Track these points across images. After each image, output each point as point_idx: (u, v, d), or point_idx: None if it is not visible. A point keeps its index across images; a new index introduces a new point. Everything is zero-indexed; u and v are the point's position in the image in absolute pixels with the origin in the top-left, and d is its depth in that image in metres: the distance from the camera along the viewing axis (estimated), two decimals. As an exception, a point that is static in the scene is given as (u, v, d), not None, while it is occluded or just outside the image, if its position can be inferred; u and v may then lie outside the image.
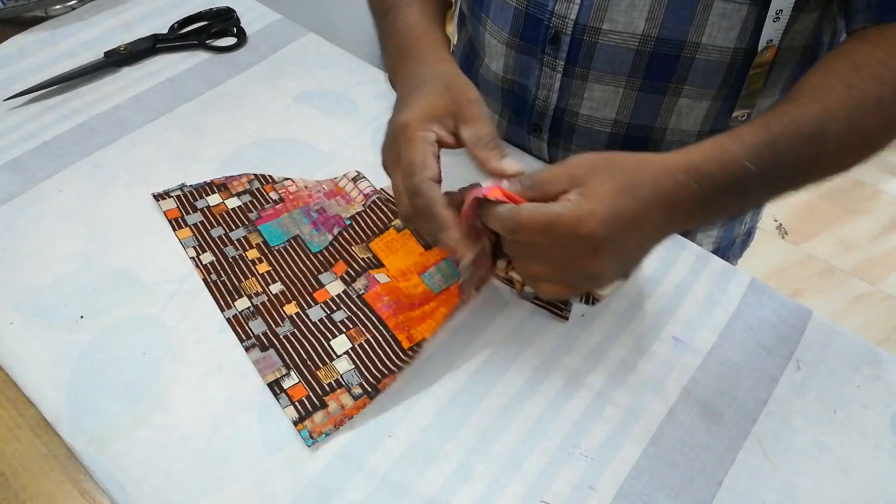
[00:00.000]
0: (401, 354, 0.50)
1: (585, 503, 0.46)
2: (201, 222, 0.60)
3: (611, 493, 0.46)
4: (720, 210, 0.47)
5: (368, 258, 0.57)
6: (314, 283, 0.55)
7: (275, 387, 0.49)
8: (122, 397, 0.49)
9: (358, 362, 0.50)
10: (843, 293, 1.72)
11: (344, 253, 0.57)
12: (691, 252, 0.59)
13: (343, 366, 0.50)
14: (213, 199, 0.61)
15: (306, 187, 0.63)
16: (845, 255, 1.80)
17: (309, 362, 0.50)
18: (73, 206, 0.61)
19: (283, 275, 0.56)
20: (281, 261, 0.57)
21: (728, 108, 0.61)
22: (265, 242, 0.58)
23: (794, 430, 0.50)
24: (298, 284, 0.55)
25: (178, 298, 0.54)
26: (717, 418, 0.50)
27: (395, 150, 0.48)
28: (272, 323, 0.53)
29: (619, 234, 0.42)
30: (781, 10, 0.54)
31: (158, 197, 0.61)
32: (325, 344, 0.52)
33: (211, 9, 0.81)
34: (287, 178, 0.63)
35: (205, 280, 0.55)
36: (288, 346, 0.51)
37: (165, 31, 0.78)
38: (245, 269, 0.56)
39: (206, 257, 0.57)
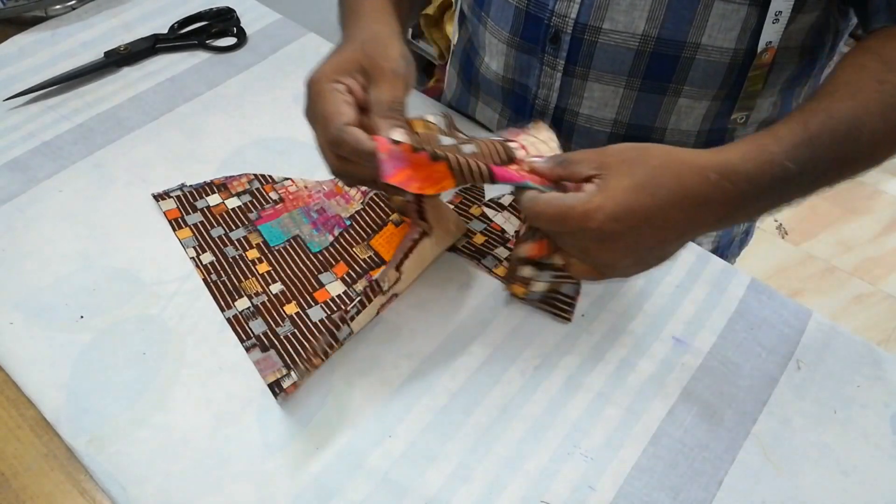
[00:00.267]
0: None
1: (585, 503, 0.46)
2: (201, 222, 0.60)
3: (611, 493, 0.46)
4: (755, 210, 0.47)
5: (370, 258, 0.57)
6: (314, 283, 0.55)
7: (275, 387, 0.49)
8: (122, 397, 0.49)
9: None
10: (843, 293, 1.72)
11: (345, 254, 0.57)
12: (691, 252, 0.59)
13: (343, 366, 0.50)
14: (213, 200, 0.61)
15: (306, 187, 0.63)
16: (845, 255, 1.80)
17: (309, 363, 0.50)
18: (73, 206, 0.61)
19: (283, 275, 0.56)
20: (281, 261, 0.57)
21: (727, 108, 0.61)
22: (265, 242, 0.58)
23: (794, 430, 0.50)
24: (298, 284, 0.55)
25: (178, 298, 0.54)
26: (717, 418, 0.50)
27: (311, 112, 0.47)
28: (272, 323, 0.53)
29: (630, 231, 0.42)
30: (780, 12, 0.54)
31: (158, 197, 0.61)
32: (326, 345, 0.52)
33: (211, 9, 0.81)
34: (287, 178, 0.63)
35: (205, 280, 0.55)
36: (288, 346, 0.51)
37: (165, 31, 0.78)
38: (245, 269, 0.56)
39: (206, 257, 0.57)
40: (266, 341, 0.52)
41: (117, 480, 0.45)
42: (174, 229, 0.59)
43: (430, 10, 1.73)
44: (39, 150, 0.65)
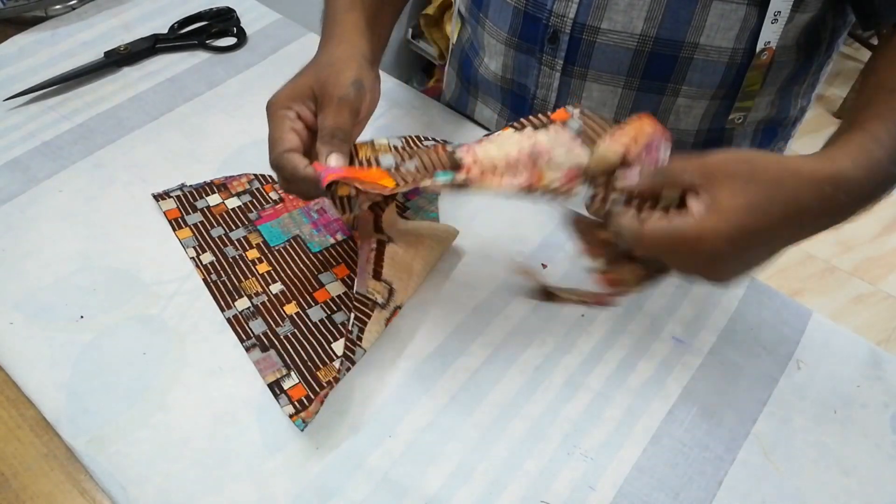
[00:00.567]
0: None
1: (585, 503, 0.46)
2: (201, 222, 0.60)
3: (611, 493, 0.46)
4: (855, 216, 0.44)
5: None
6: (314, 283, 0.55)
7: (275, 387, 0.49)
8: (122, 397, 0.49)
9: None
10: (843, 293, 1.72)
11: (346, 258, 0.57)
12: (691, 252, 0.59)
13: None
14: (213, 199, 0.61)
15: (306, 187, 0.63)
16: (845, 255, 1.80)
17: (309, 363, 0.50)
18: (73, 206, 0.61)
19: (283, 275, 0.56)
20: (281, 261, 0.57)
21: (726, 107, 0.61)
22: (265, 242, 0.58)
23: (794, 430, 0.50)
24: (299, 284, 0.55)
25: (178, 298, 0.54)
26: (717, 418, 0.50)
27: (268, 120, 0.49)
28: (272, 323, 0.53)
29: (743, 251, 0.41)
30: (780, 12, 0.54)
31: (158, 197, 0.61)
32: (326, 345, 0.52)
33: (211, 9, 0.81)
34: (287, 178, 0.63)
35: (205, 280, 0.55)
36: (288, 346, 0.51)
37: (165, 31, 0.78)
38: (245, 269, 0.56)
39: (206, 257, 0.57)
40: (266, 341, 0.52)
41: (117, 480, 0.45)
42: (174, 229, 0.59)
43: (430, 10, 1.73)
44: (39, 150, 0.65)
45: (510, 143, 0.47)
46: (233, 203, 0.61)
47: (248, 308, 0.54)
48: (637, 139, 0.46)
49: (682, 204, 0.42)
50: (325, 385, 0.48)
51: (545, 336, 0.54)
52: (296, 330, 0.52)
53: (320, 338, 0.52)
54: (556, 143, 0.47)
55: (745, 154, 0.42)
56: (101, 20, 0.80)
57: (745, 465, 0.48)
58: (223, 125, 0.69)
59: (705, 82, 0.58)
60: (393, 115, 0.71)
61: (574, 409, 0.50)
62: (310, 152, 0.49)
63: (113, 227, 0.59)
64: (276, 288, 0.55)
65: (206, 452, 0.46)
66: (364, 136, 0.68)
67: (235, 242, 0.58)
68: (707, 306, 0.56)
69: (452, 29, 0.77)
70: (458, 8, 0.73)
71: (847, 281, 1.74)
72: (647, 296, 0.56)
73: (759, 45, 0.55)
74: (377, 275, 0.52)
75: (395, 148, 0.52)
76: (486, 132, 0.71)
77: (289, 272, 0.56)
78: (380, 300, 0.52)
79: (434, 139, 0.56)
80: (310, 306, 0.54)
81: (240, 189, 0.62)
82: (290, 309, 0.54)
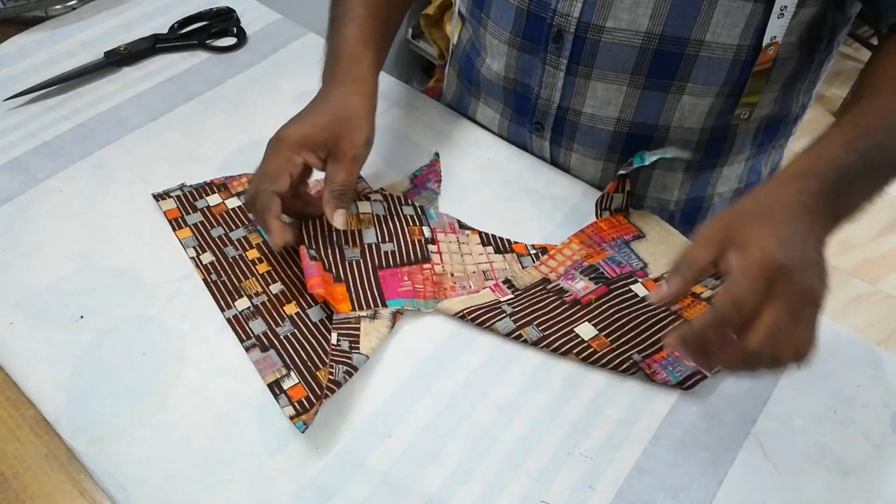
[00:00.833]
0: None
1: (585, 503, 0.46)
2: (201, 222, 0.60)
3: (611, 493, 0.46)
4: (842, 202, 0.47)
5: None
6: (314, 283, 0.55)
7: (275, 387, 0.49)
8: (122, 397, 0.49)
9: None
10: (843, 293, 1.72)
11: None
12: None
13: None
14: (213, 199, 0.61)
15: (306, 187, 0.63)
16: (845, 255, 1.80)
17: (309, 363, 0.50)
18: (73, 206, 0.61)
19: (283, 275, 0.56)
20: (281, 261, 0.57)
21: (731, 104, 0.61)
22: (265, 242, 0.58)
23: (794, 430, 0.50)
24: (299, 284, 0.55)
25: (178, 298, 0.54)
26: (717, 418, 0.50)
27: (266, 155, 0.53)
28: (272, 323, 0.53)
29: (795, 252, 0.43)
30: (786, 6, 0.54)
31: (158, 197, 0.61)
32: (326, 345, 0.52)
33: (211, 9, 0.81)
34: (287, 178, 0.63)
35: (205, 280, 0.55)
36: (288, 346, 0.51)
37: (165, 31, 0.78)
38: (245, 269, 0.56)
39: (206, 257, 0.57)
40: (266, 341, 0.52)
41: (117, 480, 0.45)
42: (174, 229, 0.59)
43: (430, 10, 1.73)
44: (39, 150, 0.65)
45: (470, 257, 0.58)
46: (233, 203, 0.61)
47: (248, 308, 0.54)
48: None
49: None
50: (324, 386, 0.48)
51: (545, 336, 0.54)
52: (296, 330, 0.52)
53: (320, 338, 0.52)
54: (507, 272, 0.57)
55: (727, 211, 0.46)
56: (101, 20, 0.80)
57: (745, 465, 0.48)
58: (223, 125, 0.69)
59: (710, 79, 0.58)
60: (393, 115, 0.71)
61: (574, 409, 0.50)
62: (294, 189, 0.53)
63: (113, 227, 0.59)
64: (276, 288, 0.55)
65: (206, 452, 0.46)
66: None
67: (235, 242, 0.58)
68: (707, 306, 0.56)
69: (452, 29, 0.77)
70: (459, 9, 0.73)
71: (847, 281, 1.74)
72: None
73: (766, 41, 0.55)
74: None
75: (378, 218, 0.59)
76: (487, 133, 0.71)
77: (289, 272, 0.56)
78: (364, 315, 0.52)
79: (414, 204, 0.61)
80: (310, 306, 0.54)
81: (240, 189, 0.62)
82: (290, 309, 0.54)
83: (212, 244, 0.58)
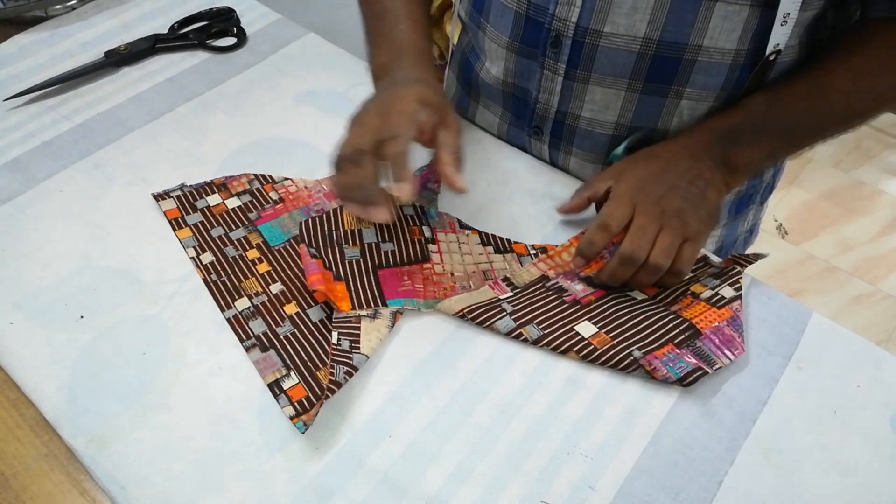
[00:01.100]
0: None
1: (585, 503, 0.46)
2: (201, 222, 0.60)
3: (611, 493, 0.46)
4: (734, 155, 0.57)
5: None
6: (314, 283, 0.55)
7: (275, 387, 0.49)
8: (122, 397, 0.49)
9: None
10: (843, 293, 1.72)
11: None
12: (691, 252, 0.59)
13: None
14: (213, 200, 0.61)
15: (306, 187, 0.63)
16: (845, 255, 1.80)
17: (309, 363, 0.50)
18: (73, 206, 0.61)
19: (283, 275, 0.56)
20: (281, 261, 0.57)
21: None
22: (265, 242, 0.58)
23: (794, 430, 0.50)
24: (299, 284, 0.55)
25: (178, 298, 0.54)
26: (717, 418, 0.50)
27: (379, 107, 0.51)
28: (272, 323, 0.53)
29: (659, 180, 0.55)
30: (789, 13, 0.54)
31: (158, 197, 0.61)
32: (326, 345, 0.52)
33: (211, 9, 0.81)
34: (287, 178, 0.63)
35: (205, 280, 0.55)
36: (288, 346, 0.51)
37: (165, 30, 0.78)
38: (245, 269, 0.56)
39: (206, 257, 0.57)
40: (266, 341, 0.52)
41: (117, 480, 0.45)
42: (174, 229, 0.59)
43: (430, 9, 1.73)
44: (39, 150, 0.65)
45: (470, 257, 0.58)
46: (233, 203, 0.61)
47: (248, 308, 0.54)
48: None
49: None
50: (325, 387, 0.48)
51: (545, 336, 0.54)
52: (296, 330, 0.52)
53: (320, 338, 0.52)
54: (507, 272, 0.58)
55: (640, 151, 0.59)
56: (101, 20, 0.80)
57: (745, 465, 0.48)
58: (223, 125, 0.69)
59: (709, 84, 0.58)
60: (393, 115, 0.71)
61: (574, 409, 0.50)
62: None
63: (113, 227, 0.59)
64: (276, 288, 0.55)
65: (206, 452, 0.46)
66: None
67: (235, 242, 0.58)
68: (707, 306, 0.56)
69: (452, 29, 0.77)
70: (458, 12, 0.73)
71: (847, 281, 1.74)
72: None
73: (769, 48, 0.55)
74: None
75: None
76: (487, 135, 0.71)
77: (289, 272, 0.56)
78: (364, 314, 0.52)
79: (414, 204, 0.61)
80: (310, 306, 0.54)
81: (240, 189, 0.62)
82: (290, 309, 0.54)
83: (212, 244, 0.58)
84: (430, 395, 0.50)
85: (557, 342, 0.52)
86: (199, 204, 0.61)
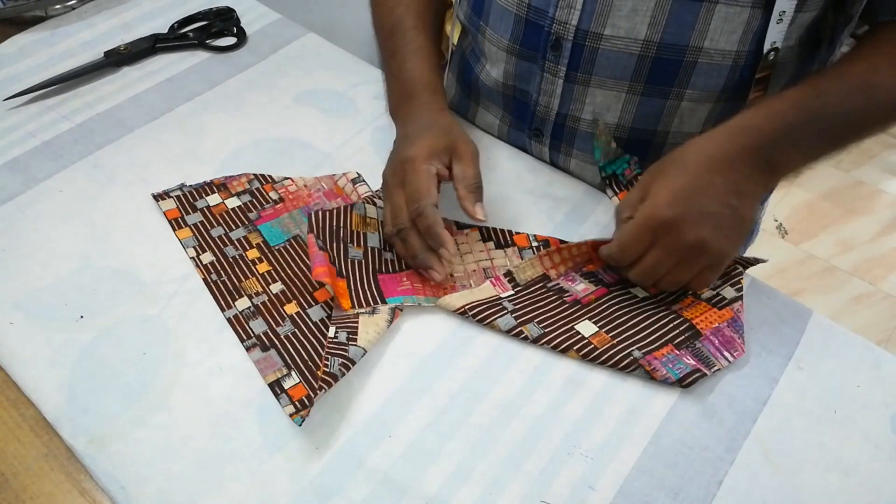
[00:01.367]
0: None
1: (585, 503, 0.46)
2: (201, 222, 0.60)
3: (611, 493, 0.46)
4: (782, 158, 0.52)
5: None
6: (314, 283, 0.55)
7: (276, 387, 0.49)
8: (122, 397, 0.49)
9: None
10: (843, 293, 1.72)
11: None
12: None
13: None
14: (213, 199, 0.61)
15: (306, 186, 0.63)
16: (845, 254, 1.80)
17: (310, 362, 0.50)
18: (72, 206, 0.61)
19: (283, 274, 0.56)
20: (281, 260, 0.57)
21: (730, 110, 0.61)
22: (265, 242, 0.58)
23: (794, 430, 0.50)
24: (299, 284, 0.55)
25: (179, 298, 0.54)
26: (717, 418, 0.50)
27: (399, 177, 0.55)
28: (273, 323, 0.53)
29: (687, 205, 0.49)
30: (784, 11, 0.54)
31: (158, 197, 0.61)
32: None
33: (211, 8, 0.81)
34: (287, 178, 0.63)
35: (205, 280, 0.55)
36: (289, 345, 0.51)
37: (165, 30, 0.78)
38: (245, 268, 0.56)
39: (207, 257, 0.57)
40: (266, 341, 0.52)
41: (117, 480, 0.45)
42: (174, 229, 0.59)
43: (430, 9, 1.72)
44: (39, 150, 0.65)
45: (471, 255, 0.58)
46: (233, 203, 0.61)
47: (249, 308, 0.54)
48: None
49: None
50: (319, 378, 0.48)
51: (545, 336, 0.54)
52: (296, 329, 0.52)
53: (321, 337, 0.52)
54: (508, 268, 0.57)
55: (671, 154, 0.52)
56: (100, 20, 0.80)
57: (745, 465, 0.48)
58: (223, 125, 0.69)
59: (709, 85, 0.58)
60: (393, 114, 0.71)
61: (574, 409, 0.50)
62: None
63: (113, 227, 0.59)
64: (276, 288, 0.55)
65: (206, 452, 0.46)
66: (365, 137, 0.69)
67: (235, 242, 0.58)
68: (707, 306, 0.56)
69: (451, 30, 0.77)
70: (458, 15, 0.73)
71: (847, 281, 1.74)
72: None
73: (767, 47, 0.55)
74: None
75: (382, 225, 0.58)
76: (487, 136, 0.71)
77: (289, 272, 0.56)
78: (363, 311, 0.52)
79: None
80: (310, 306, 0.54)
81: (240, 189, 0.62)
82: (291, 308, 0.54)
83: (212, 244, 0.58)
84: (430, 394, 0.50)
85: (557, 341, 0.52)
86: (199, 204, 0.61)
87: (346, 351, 0.49)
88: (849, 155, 2.04)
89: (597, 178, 0.67)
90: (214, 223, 0.60)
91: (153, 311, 0.54)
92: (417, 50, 0.64)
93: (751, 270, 0.58)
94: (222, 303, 0.54)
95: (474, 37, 0.68)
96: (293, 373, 0.50)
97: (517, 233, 0.60)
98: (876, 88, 0.53)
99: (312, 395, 0.48)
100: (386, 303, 0.53)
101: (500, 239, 0.59)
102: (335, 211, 0.57)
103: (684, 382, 0.50)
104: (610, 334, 0.52)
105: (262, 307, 0.54)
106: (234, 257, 0.57)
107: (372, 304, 0.53)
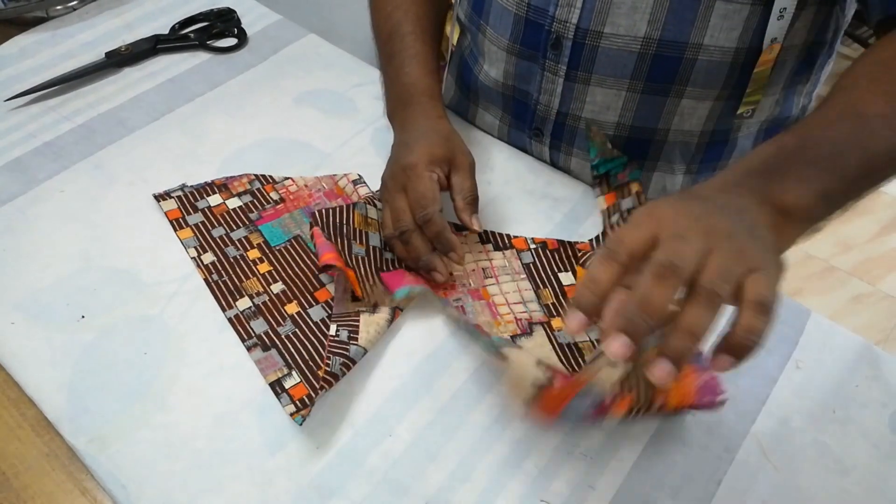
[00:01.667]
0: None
1: (585, 503, 0.46)
2: (202, 222, 0.60)
3: (611, 492, 0.46)
4: (777, 189, 0.42)
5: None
6: (315, 283, 0.56)
7: (276, 387, 0.49)
8: (123, 397, 0.49)
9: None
10: (842, 293, 1.72)
11: None
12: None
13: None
14: (214, 200, 0.61)
15: (306, 186, 0.63)
16: (845, 255, 1.80)
17: (311, 362, 0.51)
18: (73, 207, 0.61)
19: (284, 274, 0.56)
20: (282, 260, 0.57)
21: (731, 107, 0.61)
22: (266, 242, 0.58)
23: (794, 430, 0.50)
24: (300, 284, 0.56)
25: (179, 298, 0.54)
26: (717, 418, 0.50)
27: (400, 182, 0.55)
28: (273, 323, 0.53)
29: (697, 205, 0.39)
30: (785, 8, 0.54)
31: (159, 197, 0.61)
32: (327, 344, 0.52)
33: (212, 9, 0.81)
34: (287, 178, 0.64)
35: (206, 280, 0.56)
36: (289, 345, 0.52)
37: (166, 31, 0.78)
38: (246, 268, 0.56)
39: (208, 257, 0.57)
40: (267, 341, 0.52)
41: (118, 480, 0.45)
42: (175, 229, 0.59)
43: (430, 10, 1.72)
44: (40, 151, 0.65)
45: (470, 255, 0.58)
46: (234, 203, 0.61)
47: (250, 308, 0.54)
48: None
49: None
50: (321, 378, 0.48)
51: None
52: (297, 329, 0.53)
53: (321, 337, 0.52)
54: (507, 269, 0.58)
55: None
56: (102, 21, 0.80)
57: (745, 465, 0.48)
58: (224, 125, 0.69)
59: (709, 82, 0.58)
60: (393, 115, 0.71)
61: (574, 408, 0.50)
62: None
63: (114, 228, 0.59)
64: (277, 287, 0.55)
65: (206, 452, 0.46)
66: (365, 137, 0.69)
67: (236, 242, 0.58)
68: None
69: (451, 31, 0.77)
70: (457, 14, 0.73)
71: (846, 281, 1.74)
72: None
73: (766, 43, 0.55)
74: (355, 298, 0.54)
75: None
76: (487, 136, 0.71)
77: (290, 272, 0.56)
78: (364, 309, 0.52)
79: None
80: (311, 306, 0.54)
81: (241, 189, 0.62)
82: (292, 308, 0.54)
83: (213, 244, 0.58)
84: (430, 394, 0.50)
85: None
86: (200, 204, 0.61)
87: (346, 350, 0.49)
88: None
89: None
90: (215, 223, 0.60)
91: (154, 311, 0.54)
92: (416, 55, 0.64)
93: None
94: (223, 303, 0.54)
95: (474, 37, 0.69)
96: (294, 372, 0.50)
97: (515, 236, 0.60)
98: (864, 115, 0.46)
99: (313, 395, 0.48)
100: (394, 295, 0.53)
101: (499, 241, 0.60)
102: (338, 209, 0.57)
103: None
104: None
105: (262, 307, 0.54)
106: (234, 257, 0.57)
107: (374, 294, 0.53)
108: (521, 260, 0.59)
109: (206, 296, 0.55)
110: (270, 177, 0.64)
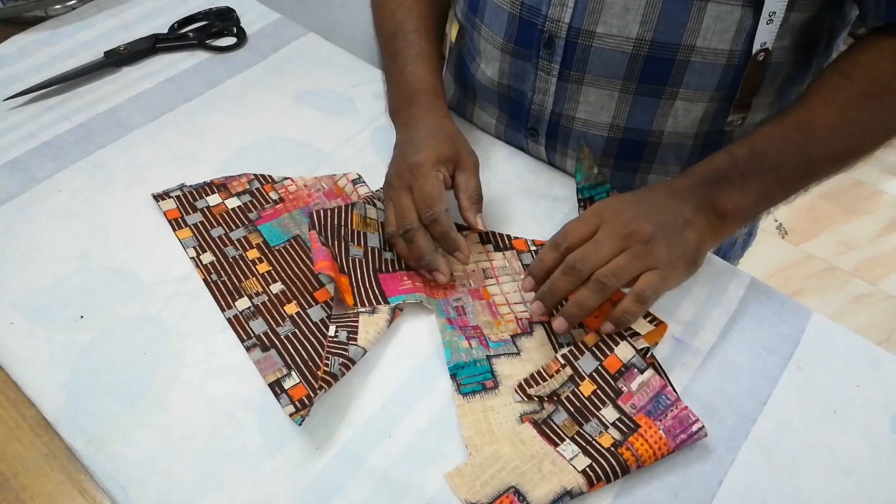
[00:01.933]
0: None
1: (586, 503, 0.45)
2: (201, 222, 0.60)
3: (611, 492, 0.46)
4: (721, 196, 0.54)
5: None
6: (315, 283, 0.55)
7: (276, 387, 0.49)
8: (122, 397, 0.49)
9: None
10: (843, 293, 1.72)
11: None
12: (691, 252, 0.59)
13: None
14: (213, 200, 0.61)
15: (305, 186, 0.63)
16: (845, 255, 1.80)
17: (310, 362, 0.50)
18: (72, 207, 0.61)
19: (283, 275, 0.56)
20: (281, 261, 0.57)
21: (724, 109, 0.61)
22: (265, 242, 0.58)
23: (794, 430, 0.50)
24: (299, 284, 0.55)
25: (178, 298, 0.54)
26: (717, 418, 0.50)
27: (405, 181, 0.56)
28: (273, 323, 0.53)
29: (636, 203, 0.52)
30: (774, 12, 0.54)
31: (158, 197, 0.61)
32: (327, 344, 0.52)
33: (211, 8, 0.81)
34: (287, 178, 0.63)
35: (205, 280, 0.55)
36: (289, 345, 0.51)
37: (165, 30, 0.78)
38: (245, 269, 0.56)
39: (207, 257, 0.57)
40: (266, 341, 0.52)
41: (117, 480, 0.45)
42: (174, 229, 0.59)
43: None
44: (39, 150, 0.65)
45: (471, 257, 0.57)
46: (233, 203, 0.61)
47: (249, 308, 0.54)
48: None
49: None
50: (320, 378, 0.48)
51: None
52: (296, 329, 0.52)
53: (321, 337, 0.52)
54: (507, 270, 0.58)
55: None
56: (100, 20, 0.80)
57: (745, 465, 0.48)
58: (223, 125, 0.69)
59: (703, 84, 0.58)
60: (393, 115, 0.71)
61: (574, 409, 0.50)
62: None
63: (113, 227, 0.59)
64: (276, 288, 0.55)
65: (206, 452, 0.46)
66: (365, 136, 0.69)
67: (235, 242, 0.58)
68: (707, 306, 0.56)
69: (449, 28, 0.77)
70: (455, 13, 0.73)
71: (847, 281, 1.74)
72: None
73: (756, 47, 0.55)
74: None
75: (382, 225, 0.58)
76: (486, 135, 0.71)
77: (289, 272, 0.56)
78: (363, 310, 0.52)
79: None
80: (310, 306, 0.54)
81: (240, 189, 0.62)
82: (291, 309, 0.54)
83: (212, 244, 0.58)
84: (430, 394, 0.50)
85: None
86: (199, 204, 0.61)
87: (346, 350, 0.49)
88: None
89: None
90: (214, 223, 0.60)
91: (153, 311, 0.54)
92: (420, 53, 0.64)
93: (751, 270, 0.58)
94: (222, 303, 0.54)
95: (470, 35, 0.69)
96: (293, 373, 0.50)
97: (516, 237, 0.60)
98: (814, 128, 0.54)
99: (312, 395, 0.48)
100: (388, 302, 0.53)
101: (499, 242, 0.59)
102: (336, 210, 0.57)
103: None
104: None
105: (262, 307, 0.54)
106: (234, 257, 0.57)
107: (374, 303, 0.53)
108: (521, 261, 0.58)
109: (206, 296, 0.55)
110: (270, 176, 0.63)
